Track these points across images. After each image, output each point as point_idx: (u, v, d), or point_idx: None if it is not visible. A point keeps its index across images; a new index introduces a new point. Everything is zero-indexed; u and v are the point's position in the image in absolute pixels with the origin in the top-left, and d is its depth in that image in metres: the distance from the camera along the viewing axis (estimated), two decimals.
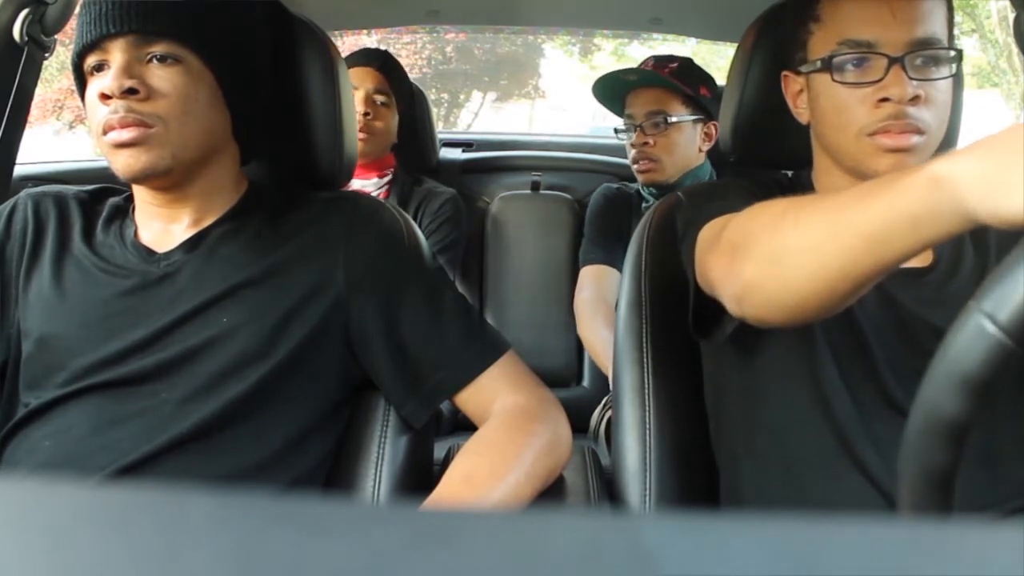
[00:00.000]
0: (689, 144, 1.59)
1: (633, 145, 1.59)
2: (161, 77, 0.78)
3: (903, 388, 0.76)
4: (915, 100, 0.76)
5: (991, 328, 0.41)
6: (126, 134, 0.76)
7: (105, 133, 0.77)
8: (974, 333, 0.42)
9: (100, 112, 0.77)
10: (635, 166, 1.61)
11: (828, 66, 0.80)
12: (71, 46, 0.82)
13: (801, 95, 0.87)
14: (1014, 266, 0.41)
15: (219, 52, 0.81)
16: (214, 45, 0.81)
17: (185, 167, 0.81)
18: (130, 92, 0.76)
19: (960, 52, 0.80)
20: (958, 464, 0.45)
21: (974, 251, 0.84)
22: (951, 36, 0.81)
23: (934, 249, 0.83)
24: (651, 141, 1.57)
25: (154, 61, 0.78)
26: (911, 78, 0.76)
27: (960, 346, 0.42)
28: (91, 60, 0.79)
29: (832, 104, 0.81)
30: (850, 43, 0.78)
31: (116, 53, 0.77)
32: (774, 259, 0.60)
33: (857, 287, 0.56)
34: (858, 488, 0.76)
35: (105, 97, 0.76)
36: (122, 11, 0.76)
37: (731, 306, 0.67)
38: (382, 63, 1.65)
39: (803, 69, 0.84)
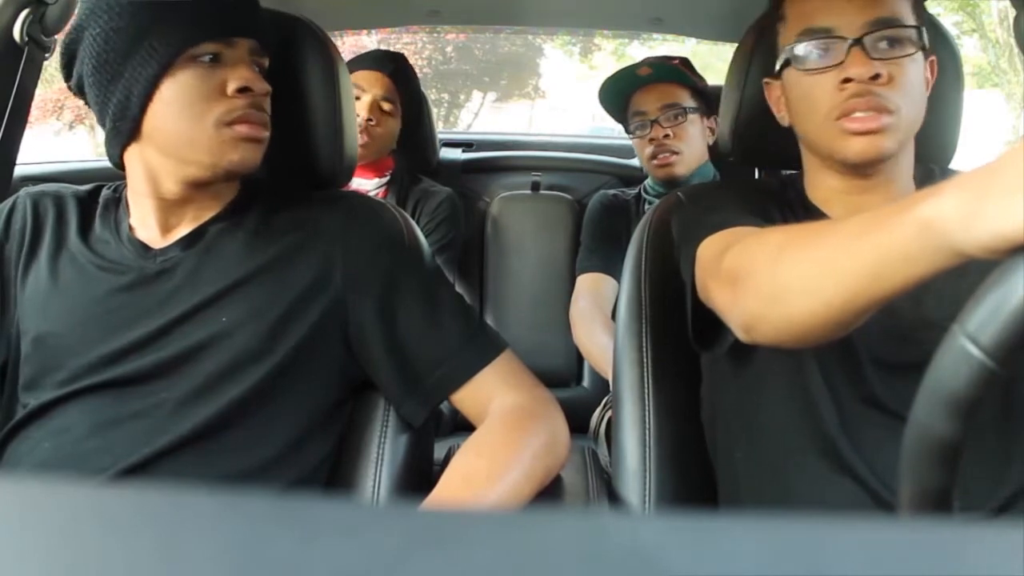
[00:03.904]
0: (701, 137, 1.60)
1: (652, 140, 1.57)
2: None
3: (884, 384, 0.77)
4: (878, 79, 0.76)
5: (974, 351, 0.41)
6: (254, 131, 0.81)
7: (232, 125, 0.79)
8: (958, 356, 0.42)
9: (222, 105, 0.79)
10: (653, 161, 1.58)
11: (791, 58, 0.81)
12: None
13: (780, 98, 0.88)
14: (995, 288, 0.41)
15: None
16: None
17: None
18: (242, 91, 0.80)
19: (919, 29, 0.79)
20: (954, 482, 0.46)
21: None
22: (921, 16, 0.81)
23: None
24: (671, 133, 1.55)
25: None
26: (873, 58, 0.76)
27: (945, 369, 0.43)
28: (208, 48, 0.79)
29: (799, 94, 0.82)
30: (809, 32, 0.79)
31: (242, 52, 0.81)
32: (776, 296, 0.61)
33: (862, 315, 0.57)
34: (847, 491, 0.76)
35: (241, 91, 0.79)
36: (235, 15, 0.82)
37: (740, 335, 0.68)
38: (393, 69, 1.62)
39: (776, 69, 0.85)
